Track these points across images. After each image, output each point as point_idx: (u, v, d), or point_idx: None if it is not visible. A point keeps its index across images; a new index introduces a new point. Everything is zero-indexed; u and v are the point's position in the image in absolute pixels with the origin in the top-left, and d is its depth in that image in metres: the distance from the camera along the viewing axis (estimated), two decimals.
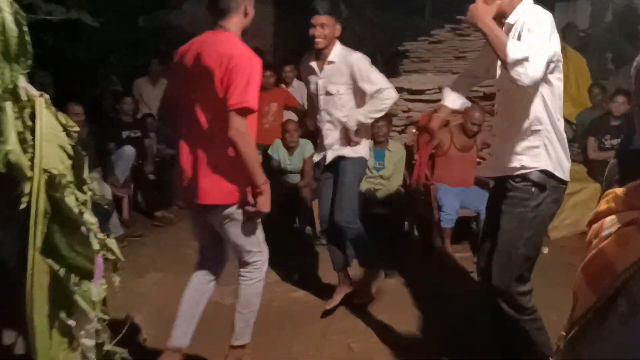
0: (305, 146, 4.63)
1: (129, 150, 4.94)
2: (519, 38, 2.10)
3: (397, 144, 4.57)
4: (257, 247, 2.42)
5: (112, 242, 1.56)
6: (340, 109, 3.04)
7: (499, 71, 2.28)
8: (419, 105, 4.77)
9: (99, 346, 1.39)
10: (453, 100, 2.54)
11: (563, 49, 6.43)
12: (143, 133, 5.27)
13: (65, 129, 1.28)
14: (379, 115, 3.02)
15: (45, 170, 1.20)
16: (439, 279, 3.86)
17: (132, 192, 5.14)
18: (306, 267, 4.10)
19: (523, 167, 2.21)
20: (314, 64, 3.09)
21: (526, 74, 1.96)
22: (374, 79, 2.94)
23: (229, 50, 2.18)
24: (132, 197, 5.19)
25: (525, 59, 1.96)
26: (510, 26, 2.19)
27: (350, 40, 9.09)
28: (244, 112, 2.14)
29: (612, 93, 4.99)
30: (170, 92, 2.48)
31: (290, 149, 4.66)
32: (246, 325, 2.52)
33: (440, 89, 4.91)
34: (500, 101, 2.35)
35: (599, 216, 0.99)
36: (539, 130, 2.19)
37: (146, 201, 5.23)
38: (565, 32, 7.31)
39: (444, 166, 4.36)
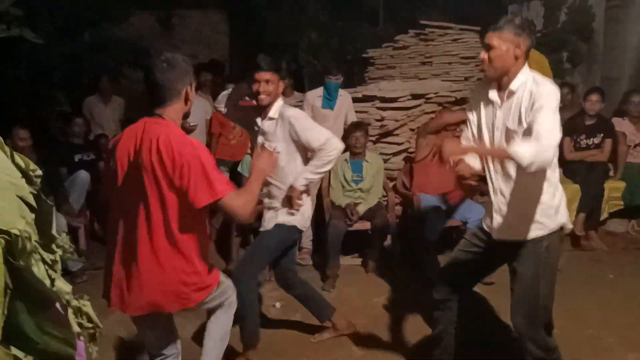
0: None
1: (83, 175, 4.54)
2: (523, 108, 2.14)
3: (374, 154, 4.36)
4: (224, 297, 2.28)
5: (87, 306, 1.27)
6: (277, 169, 2.74)
7: (499, 135, 2.26)
8: (392, 113, 4.58)
9: None
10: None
11: None
12: (97, 155, 4.88)
13: (25, 174, 0.98)
14: (327, 168, 2.81)
15: (2, 232, 0.90)
16: (429, 296, 3.66)
17: (88, 220, 4.74)
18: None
19: (545, 228, 2.25)
20: (258, 120, 2.90)
21: (539, 162, 1.99)
22: (316, 133, 2.75)
23: (173, 145, 1.93)
24: (89, 225, 4.79)
25: (537, 153, 1.98)
26: (512, 93, 2.18)
27: (307, 48, 8.93)
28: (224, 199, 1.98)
29: (585, 91, 4.96)
30: (106, 188, 2.18)
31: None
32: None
33: (413, 96, 4.77)
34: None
35: None
36: (551, 190, 2.24)
37: (104, 229, 4.82)
38: None
39: (423, 174, 4.18)
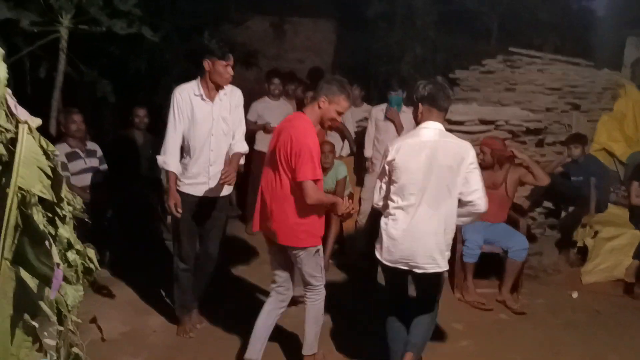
0: (339, 168, 4.70)
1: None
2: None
3: None
4: (320, 274, 2.95)
5: (91, 253, 1.74)
6: None
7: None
8: (457, 136, 4.72)
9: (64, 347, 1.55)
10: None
11: (622, 86, 6.11)
12: None
13: (45, 152, 1.45)
14: None
15: (20, 189, 1.37)
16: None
17: None
18: None
19: None
20: None
21: None
22: None
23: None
24: None
25: None
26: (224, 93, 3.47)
27: (410, 61, 8.92)
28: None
29: None
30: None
31: (324, 170, 4.70)
32: (314, 338, 3.02)
33: (480, 121, 4.87)
34: None
35: None
36: None
37: None
38: (635, 68, 7.00)
39: None
